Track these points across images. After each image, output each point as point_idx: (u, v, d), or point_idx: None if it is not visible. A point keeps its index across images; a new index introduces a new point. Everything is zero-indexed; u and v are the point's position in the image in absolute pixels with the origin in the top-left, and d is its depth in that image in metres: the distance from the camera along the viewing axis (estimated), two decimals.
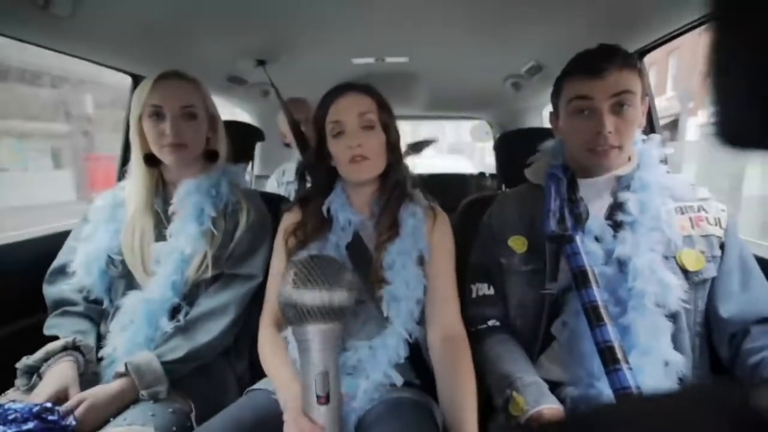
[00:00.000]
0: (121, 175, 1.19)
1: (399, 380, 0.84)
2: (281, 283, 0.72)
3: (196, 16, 1.15)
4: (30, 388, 0.82)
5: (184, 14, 1.13)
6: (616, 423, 0.22)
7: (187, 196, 0.99)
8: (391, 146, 0.92)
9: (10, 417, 0.69)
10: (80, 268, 0.97)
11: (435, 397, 0.88)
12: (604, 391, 0.76)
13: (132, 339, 0.91)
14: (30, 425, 0.69)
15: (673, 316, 0.79)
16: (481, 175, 2.75)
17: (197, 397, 0.89)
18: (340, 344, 0.72)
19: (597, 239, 0.84)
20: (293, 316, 0.69)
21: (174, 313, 0.95)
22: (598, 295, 0.75)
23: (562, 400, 0.78)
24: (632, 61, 0.83)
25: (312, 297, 0.67)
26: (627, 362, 0.69)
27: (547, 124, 1.02)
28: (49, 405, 0.74)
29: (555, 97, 0.93)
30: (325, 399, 0.69)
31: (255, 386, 0.90)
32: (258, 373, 0.94)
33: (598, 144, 0.81)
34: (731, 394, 0.21)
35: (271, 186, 1.80)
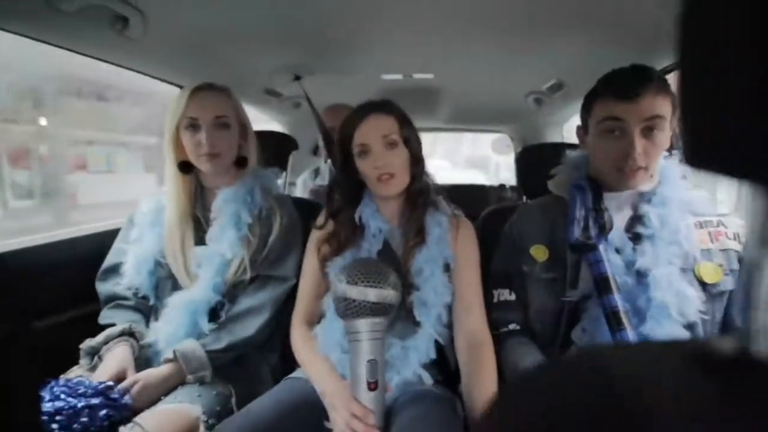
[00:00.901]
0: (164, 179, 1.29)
1: (429, 380, 0.89)
2: (334, 282, 0.81)
3: (239, 33, 1.24)
4: (92, 368, 0.91)
5: (229, 32, 1.23)
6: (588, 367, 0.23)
7: (225, 204, 1.05)
8: (415, 159, 0.97)
9: (80, 391, 0.78)
10: (130, 269, 1.05)
11: (455, 392, 0.94)
12: None
13: (173, 333, 0.98)
14: (96, 400, 0.78)
15: (691, 327, 0.82)
16: (501, 186, 2.78)
17: (236, 383, 0.96)
18: (385, 338, 0.80)
19: (617, 251, 0.88)
20: (346, 310, 0.77)
21: (214, 311, 1.03)
22: (619, 301, 0.79)
23: None
24: (666, 85, 0.83)
25: (365, 293, 0.76)
26: None
27: (566, 140, 1.06)
28: (111, 383, 0.83)
29: (585, 113, 0.94)
30: (374, 385, 0.77)
31: (292, 375, 0.97)
32: (289, 364, 1.02)
33: (627, 165, 0.83)
34: (699, 344, 0.24)
35: (302, 184, 1.87)
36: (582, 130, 0.97)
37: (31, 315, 1.04)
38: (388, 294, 0.77)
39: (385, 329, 0.80)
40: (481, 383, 0.86)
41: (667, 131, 0.85)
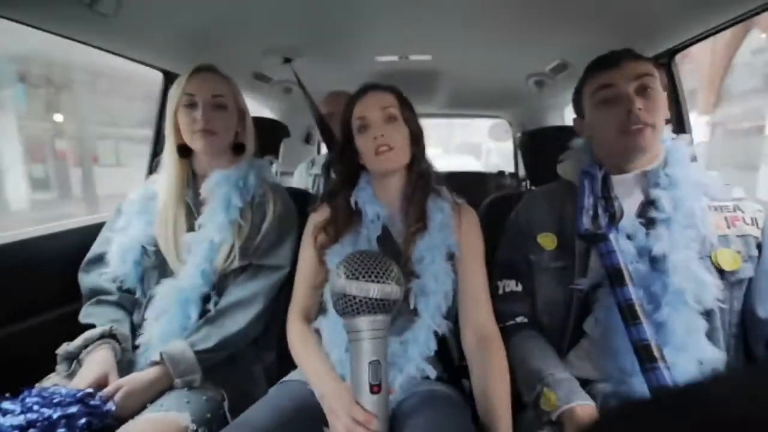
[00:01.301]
0: (152, 168, 1.22)
1: (432, 373, 0.85)
2: (332, 276, 0.74)
3: (225, 14, 1.17)
4: (70, 374, 0.85)
5: (214, 12, 1.15)
6: (652, 416, 0.22)
7: (216, 186, 1.01)
8: (414, 139, 0.94)
9: (55, 401, 0.72)
10: (115, 257, 1.00)
11: (461, 388, 0.90)
12: (637, 387, 0.76)
13: (166, 327, 0.93)
14: (73, 409, 0.72)
15: (708, 315, 0.78)
16: (500, 173, 2.74)
17: (228, 387, 0.91)
18: (388, 336, 0.74)
19: (629, 237, 0.84)
20: (346, 307, 0.71)
21: (204, 302, 0.98)
22: (634, 293, 0.74)
23: (593, 397, 0.78)
24: (644, 56, 0.86)
25: (367, 288, 0.70)
26: (664, 360, 0.69)
27: (567, 123, 1.02)
28: (90, 390, 0.77)
29: (577, 101, 0.95)
30: (378, 388, 0.71)
31: (288, 377, 0.91)
32: (286, 364, 0.96)
33: (631, 123, 0.81)
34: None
35: (299, 176, 1.82)
36: (579, 119, 0.96)
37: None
38: (392, 289, 0.71)
39: (388, 327, 0.74)
40: (495, 384, 0.81)
41: (661, 91, 0.85)
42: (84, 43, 1.11)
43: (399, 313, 0.88)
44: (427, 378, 0.85)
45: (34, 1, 0.90)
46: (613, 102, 0.84)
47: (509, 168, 2.83)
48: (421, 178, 0.95)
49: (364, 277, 0.70)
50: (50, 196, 5.82)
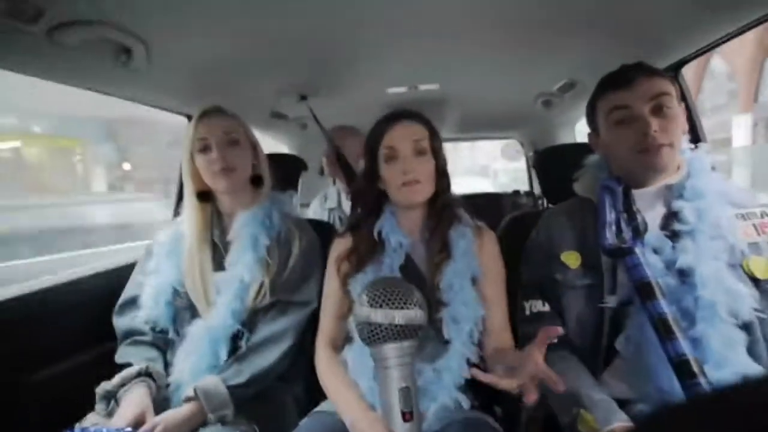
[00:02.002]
0: (177, 210, 1.27)
1: (467, 403, 0.84)
2: (356, 305, 0.75)
3: (243, 58, 1.24)
4: (109, 413, 0.87)
5: (233, 57, 1.23)
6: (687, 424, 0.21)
7: (243, 227, 1.04)
8: (441, 171, 0.95)
9: None
10: (148, 300, 1.02)
11: (494, 416, 0.90)
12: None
13: (196, 365, 0.94)
14: None
15: (747, 327, 0.76)
16: (516, 192, 2.74)
17: (260, 420, 0.91)
18: (415, 362, 0.74)
19: (655, 251, 0.82)
20: (372, 336, 0.71)
21: (235, 339, 0.99)
22: (666, 307, 0.73)
23: (632, 418, 0.75)
24: (658, 70, 0.85)
25: (392, 315, 0.70)
26: (705, 375, 0.67)
27: (579, 140, 1.04)
28: (129, 429, 0.78)
29: (591, 117, 0.94)
30: (409, 415, 0.70)
31: (319, 408, 0.91)
32: (315, 395, 0.96)
33: (647, 143, 0.81)
34: None
35: (314, 211, 1.86)
36: (594, 135, 0.96)
37: (35, 363, 1.01)
38: (416, 314, 0.72)
39: (415, 352, 0.74)
40: (506, 353, 0.86)
41: (677, 107, 0.84)
42: (120, 97, 1.20)
43: (429, 341, 0.88)
44: (461, 406, 0.84)
45: (74, 64, 0.99)
46: (629, 123, 0.83)
47: (519, 187, 2.85)
48: (444, 210, 0.95)
49: (387, 304, 0.71)
50: None
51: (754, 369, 0.73)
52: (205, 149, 1.01)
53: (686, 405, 0.26)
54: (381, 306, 0.71)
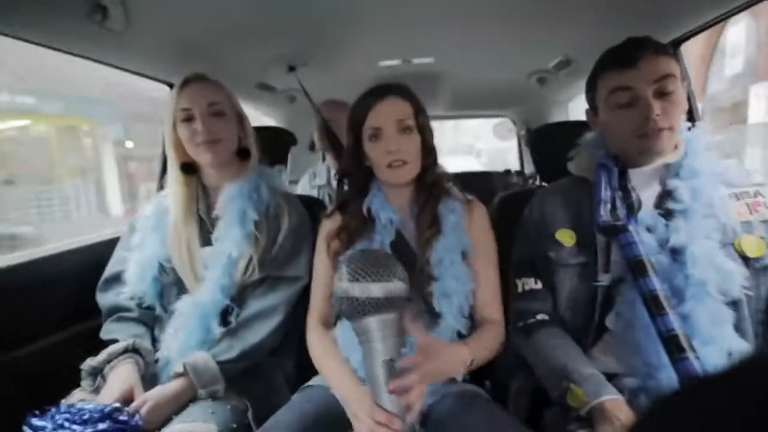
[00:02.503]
0: (162, 184, 1.23)
1: (459, 376, 0.84)
2: (335, 280, 0.73)
3: (229, 25, 1.18)
4: (95, 389, 0.86)
5: (218, 24, 1.16)
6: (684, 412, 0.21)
7: (230, 200, 1.01)
8: (427, 148, 0.93)
9: (85, 416, 0.72)
10: (133, 276, 1.00)
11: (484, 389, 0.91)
12: (664, 381, 0.75)
13: (185, 341, 0.93)
14: (103, 425, 0.72)
15: (735, 304, 0.77)
16: (507, 172, 2.74)
17: (251, 396, 0.91)
18: (402, 334, 0.72)
19: (649, 229, 0.83)
20: (352, 310, 0.69)
21: (224, 315, 0.98)
22: (657, 284, 0.74)
23: (619, 391, 0.77)
24: (665, 47, 0.82)
25: (369, 289, 0.68)
26: (693, 350, 0.68)
27: (571, 118, 1.03)
28: (118, 405, 0.77)
29: (591, 94, 0.92)
30: None
31: (310, 383, 0.91)
32: (306, 372, 0.96)
33: (648, 128, 0.80)
34: None
35: (303, 188, 1.82)
36: (592, 113, 0.94)
37: (17, 339, 0.98)
38: (395, 287, 0.69)
39: (398, 323, 0.72)
40: (482, 337, 0.88)
41: (681, 89, 0.81)
42: (95, 60, 1.13)
43: (421, 315, 0.88)
44: (453, 379, 0.85)
45: (44, 21, 0.92)
46: (631, 105, 0.82)
47: (502, 167, 2.86)
48: (433, 186, 0.95)
49: (365, 277, 0.68)
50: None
51: (740, 345, 0.75)
52: (188, 119, 0.97)
53: (684, 391, 0.26)
54: (358, 280, 0.68)
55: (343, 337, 0.89)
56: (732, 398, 0.19)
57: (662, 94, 0.80)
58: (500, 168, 2.92)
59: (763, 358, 0.23)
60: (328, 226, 0.98)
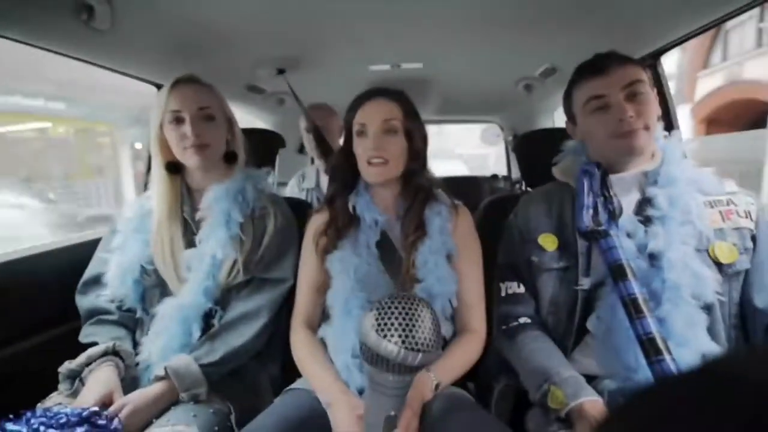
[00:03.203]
0: (146, 185, 1.21)
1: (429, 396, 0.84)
2: (363, 323, 0.67)
3: (218, 27, 1.17)
4: (73, 393, 0.84)
5: (207, 25, 1.16)
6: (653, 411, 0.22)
7: (215, 202, 1.00)
8: (414, 152, 0.94)
9: (61, 420, 0.70)
10: (113, 278, 0.98)
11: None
12: (641, 383, 0.77)
13: (167, 344, 0.92)
14: (80, 430, 0.70)
15: (708, 308, 0.80)
16: (494, 177, 2.77)
17: (234, 399, 0.90)
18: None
19: (629, 235, 0.85)
20: (376, 361, 0.65)
21: (207, 318, 0.96)
22: (636, 288, 0.75)
23: (599, 393, 0.79)
24: (630, 58, 0.88)
25: (402, 356, 0.63)
26: (669, 353, 0.70)
27: (558, 125, 1.06)
28: (96, 409, 0.75)
29: (567, 105, 0.96)
30: None
31: (293, 386, 0.91)
32: (290, 374, 0.96)
33: (623, 128, 0.83)
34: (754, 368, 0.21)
35: (291, 191, 1.82)
36: (571, 123, 0.98)
37: None
38: (427, 359, 0.65)
39: (410, 384, 0.71)
40: (448, 359, 0.86)
41: (650, 92, 0.86)
42: (81, 60, 1.11)
43: None
44: None
45: (30, 20, 0.90)
46: (604, 110, 0.86)
47: (482, 172, 2.92)
48: (419, 191, 0.95)
49: (396, 337, 0.63)
50: None
51: (712, 348, 0.77)
52: (177, 121, 0.96)
53: (655, 386, 0.26)
54: (390, 337, 0.63)
55: (332, 338, 0.89)
56: (696, 398, 0.20)
57: (633, 98, 0.84)
58: (478, 173, 2.97)
59: (728, 360, 0.24)
60: (317, 222, 0.98)
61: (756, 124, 6.33)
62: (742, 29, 7.14)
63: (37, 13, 0.88)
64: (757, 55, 7.02)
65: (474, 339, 0.92)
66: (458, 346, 0.91)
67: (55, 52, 1.03)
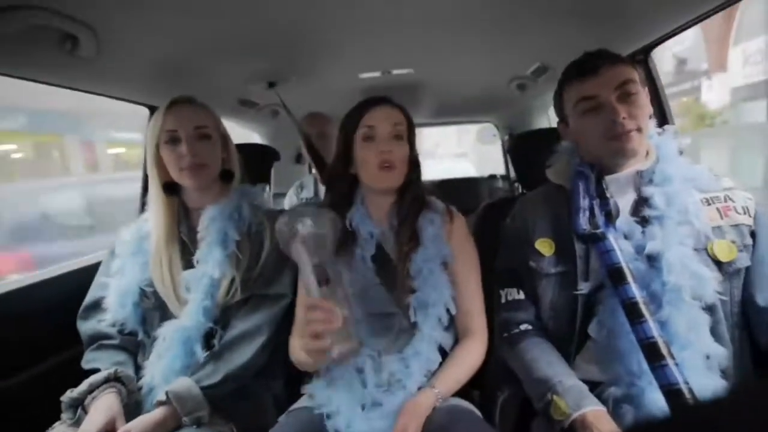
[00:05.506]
0: (143, 206, 1.21)
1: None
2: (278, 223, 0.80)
3: (206, 43, 1.17)
4: (76, 422, 0.84)
5: (195, 43, 1.16)
6: None
7: (211, 222, 1.00)
8: (413, 162, 0.96)
9: None
10: (113, 302, 0.98)
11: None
12: (646, 389, 0.76)
13: (169, 366, 0.92)
14: None
15: (710, 309, 0.78)
16: (492, 177, 2.76)
17: (237, 419, 0.90)
18: (331, 250, 0.79)
19: (626, 236, 0.84)
20: (283, 241, 0.78)
21: (208, 338, 0.96)
22: (636, 291, 0.75)
23: (603, 401, 0.78)
24: (621, 56, 0.87)
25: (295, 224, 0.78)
26: (672, 357, 0.69)
27: (553, 124, 1.05)
28: None
29: (558, 106, 0.95)
30: (324, 281, 0.73)
31: (297, 405, 0.90)
32: (294, 391, 0.96)
33: (617, 130, 0.82)
34: None
35: (289, 201, 1.82)
36: (562, 124, 0.96)
37: None
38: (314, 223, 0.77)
39: (327, 242, 0.78)
40: (449, 368, 0.87)
41: (642, 92, 0.85)
42: (69, 88, 1.11)
43: (402, 332, 0.89)
44: None
45: (14, 53, 0.90)
46: (597, 111, 0.84)
47: (466, 174, 2.90)
48: (414, 201, 0.96)
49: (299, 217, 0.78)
50: None
51: (716, 349, 0.76)
52: (173, 141, 0.96)
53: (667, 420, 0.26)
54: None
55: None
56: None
57: (625, 99, 0.83)
58: (485, 169, 2.96)
59: (743, 393, 0.24)
60: None
61: None
62: None
63: (21, 46, 0.88)
64: None
65: (475, 343, 0.92)
66: (459, 352, 0.90)
67: (44, 83, 1.04)
